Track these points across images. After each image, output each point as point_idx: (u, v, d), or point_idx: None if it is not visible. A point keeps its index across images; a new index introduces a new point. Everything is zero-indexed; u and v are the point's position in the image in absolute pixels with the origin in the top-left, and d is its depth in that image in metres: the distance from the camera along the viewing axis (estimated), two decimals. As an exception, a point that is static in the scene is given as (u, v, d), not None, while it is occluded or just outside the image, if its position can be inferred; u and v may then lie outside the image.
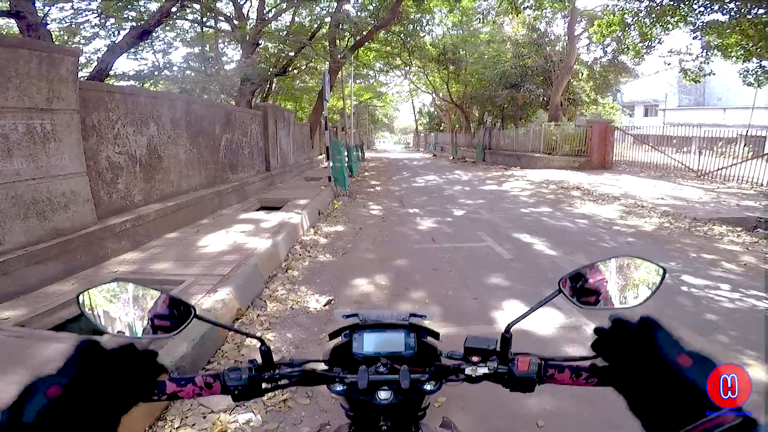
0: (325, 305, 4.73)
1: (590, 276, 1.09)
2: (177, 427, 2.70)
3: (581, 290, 1.09)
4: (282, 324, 4.28)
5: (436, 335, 1.22)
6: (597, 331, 0.89)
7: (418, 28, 22.02)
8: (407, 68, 29.86)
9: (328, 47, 18.38)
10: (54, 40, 10.75)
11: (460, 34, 27.38)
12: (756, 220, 8.22)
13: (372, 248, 7.14)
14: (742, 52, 13.80)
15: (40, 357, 3.10)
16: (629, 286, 1.09)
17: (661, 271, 1.09)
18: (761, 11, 11.72)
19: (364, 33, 18.50)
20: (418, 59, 26.04)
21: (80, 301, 1.02)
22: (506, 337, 1.07)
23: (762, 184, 12.88)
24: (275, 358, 1.10)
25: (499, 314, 4.43)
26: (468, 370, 1.06)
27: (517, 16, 20.01)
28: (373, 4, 19.78)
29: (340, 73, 20.21)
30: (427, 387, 1.06)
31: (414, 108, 57.94)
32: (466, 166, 25.74)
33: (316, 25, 19.43)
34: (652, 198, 11.09)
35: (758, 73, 14.26)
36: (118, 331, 1.03)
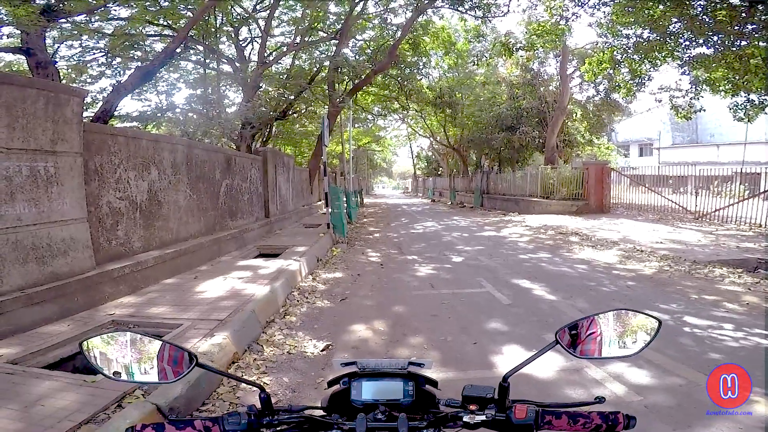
0: (322, 350, 4.67)
1: (587, 327, 1.14)
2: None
3: (578, 341, 1.14)
4: (279, 368, 4.22)
5: (434, 383, 1.24)
6: None
7: (414, 71, 22.56)
8: (405, 112, 30.37)
9: (327, 91, 18.73)
10: (62, 78, 10.99)
11: (456, 77, 27.88)
12: (756, 261, 8.21)
13: (370, 295, 7.10)
14: (729, 86, 13.91)
15: (31, 394, 3.09)
16: (625, 338, 1.13)
17: (656, 323, 1.13)
18: (744, 43, 11.98)
19: (362, 76, 18.89)
20: (415, 102, 26.50)
21: (83, 347, 1.06)
22: (504, 385, 1.09)
23: (761, 225, 12.87)
24: (273, 404, 1.11)
25: (498, 359, 4.37)
26: (466, 418, 1.07)
27: (510, 57, 20.49)
28: (371, 48, 20.35)
29: (339, 117, 20.56)
30: None
31: (412, 152, 58.72)
32: (465, 212, 25.87)
33: (315, 69, 19.91)
34: (650, 242, 11.09)
35: (747, 107, 14.41)
36: (114, 372, 1.06)
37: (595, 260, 9.34)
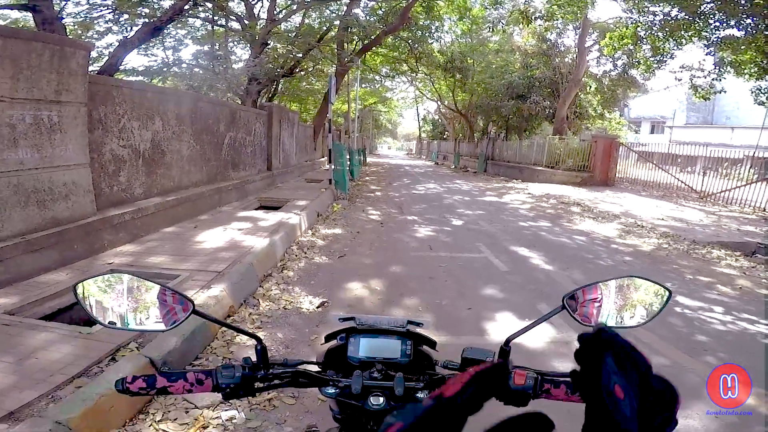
0: (318, 307, 4.73)
1: (594, 294, 1.09)
2: (158, 421, 2.69)
3: (584, 308, 1.09)
4: (273, 323, 4.28)
5: (432, 344, 1.22)
6: (581, 338, 0.78)
7: (426, 34, 22.02)
8: (413, 74, 29.83)
9: (335, 50, 18.42)
10: (68, 34, 10.80)
11: (469, 43, 27.25)
12: (756, 245, 8.19)
13: (369, 253, 7.14)
14: (756, 69, 13.61)
15: (26, 345, 3.11)
16: (633, 306, 1.09)
17: (666, 293, 1.08)
18: None
19: (372, 37, 18.51)
20: (424, 66, 26.00)
21: (77, 291, 1.00)
22: (505, 350, 1.07)
23: (764, 209, 12.80)
24: (269, 357, 1.09)
25: (491, 326, 4.43)
26: None
27: (527, 26, 19.95)
28: (383, 9, 19.83)
29: (346, 76, 20.24)
30: (421, 395, 1.05)
31: (418, 115, 57.88)
32: (468, 176, 25.74)
33: (325, 28, 19.46)
34: (652, 218, 11.07)
35: (771, 91, 14.19)
36: (109, 322, 1.02)
37: (595, 233, 9.35)
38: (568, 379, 1.04)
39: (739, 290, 5.84)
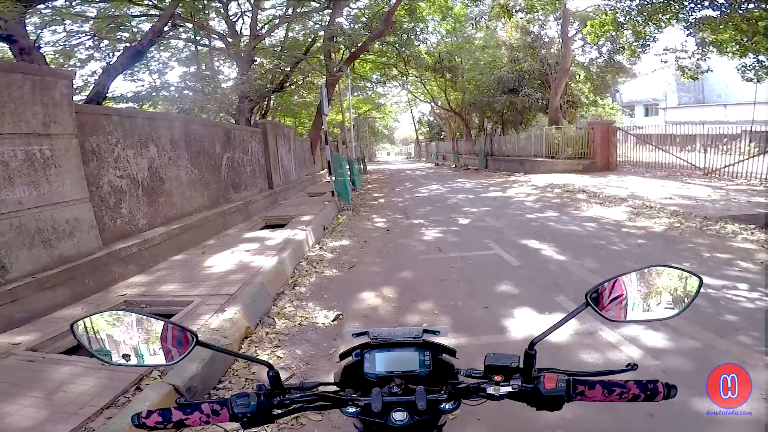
0: (333, 320, 4.68)
1: (619, 288, 1.05)
2: (187, 448, 2.63)
3: (609, 302, 1.05)
4: (291, 341, 4.22)
5: (452, 352, 1.18)
6: None
7: (412, 37, 22.18)
8: (404, 78, 30.00)
9: (323, 61, 18.51)
10: (49, 63, 10.81)
11: (455, 41, 27.46)
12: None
13: (378, 261, 7.09)
14: (737, 47, 13.73)
15: (52, 380, 3.12)
16: (661, 298, 1.04)
17: (696, 281, 1.02)
18: (752, 6, 11.67)
19: (359, 45, 18.62)
20: (414, 68, 26.24)
21: (76, 329, 0.99)
22: (530, 353, 1.02)
23: (771, 180, 12.64)
24: (285, 378, 1.06)
25: (510, 323, 4.35)
26: (490, 389, 1.01)
27: (509, 19, 20.08)
28: (366, 16, 19.94)
29: (337, 86, 20.34)
30: (445, 406, 1.02)
31: (413, 118, 57.98)
32: (469, 174, 25.73)
33: (310, 40, 19.58)
34: (660, 198, 10.96)
35: (756, 68, 14.18)
36: (124, 355, 1.02)
37: (604, 218, 9.26)
38: (604, 378, 0.99)
39: (760, 265, 5.67)
